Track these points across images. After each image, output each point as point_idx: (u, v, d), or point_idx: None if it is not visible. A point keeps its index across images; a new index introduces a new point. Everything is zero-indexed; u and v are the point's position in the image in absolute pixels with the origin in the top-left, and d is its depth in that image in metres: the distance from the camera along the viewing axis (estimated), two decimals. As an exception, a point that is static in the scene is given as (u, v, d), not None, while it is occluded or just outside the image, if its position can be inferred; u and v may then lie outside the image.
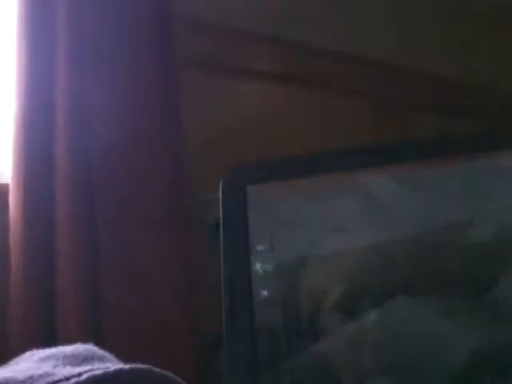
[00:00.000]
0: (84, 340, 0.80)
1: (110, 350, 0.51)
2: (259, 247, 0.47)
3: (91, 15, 0.96)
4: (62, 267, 0.83)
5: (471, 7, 1.51)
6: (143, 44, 0.99)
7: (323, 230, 0.49)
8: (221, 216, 0.49)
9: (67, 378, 0.40)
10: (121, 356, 0.48)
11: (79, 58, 0.93)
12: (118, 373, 0.41)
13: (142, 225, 0.93)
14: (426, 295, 0.47)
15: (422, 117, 1.41)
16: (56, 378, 0.40)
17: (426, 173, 0.52)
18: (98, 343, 0.81)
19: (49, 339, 0.80)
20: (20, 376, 0.39)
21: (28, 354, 0.48)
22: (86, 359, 0.45)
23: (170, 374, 0.44)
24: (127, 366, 0.43)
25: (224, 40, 1.15)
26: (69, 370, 0.41)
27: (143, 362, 0.55)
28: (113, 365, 0.43)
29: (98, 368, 0.42)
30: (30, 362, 0.46)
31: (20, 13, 0.90)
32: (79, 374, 0.41)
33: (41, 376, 0.40)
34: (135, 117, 0.98)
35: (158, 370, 0.44)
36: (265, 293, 0.45)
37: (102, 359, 0.46)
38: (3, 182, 0.90)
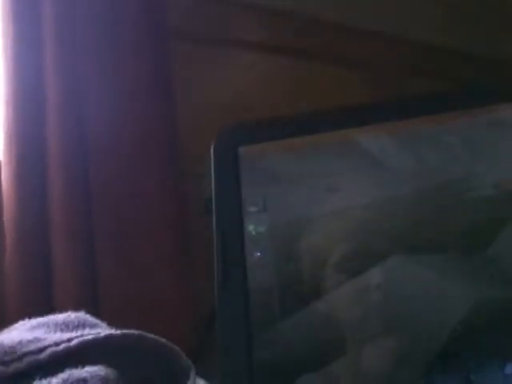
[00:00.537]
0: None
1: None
2: (252, 208, 0.46)
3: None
4: (58, 242, 0.82)
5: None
6: (130, 19, 0.97)
7: (318, 190, 0.48)
8: (212, 178, 0.47)
9: (57, 344, 0.39)
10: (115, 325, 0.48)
11: (66, 38, 0.92)
12: (108, 338, 0.40)
13: (135, 199, 0.92)
14: (425, 253, 0.46)
15: (416, 84, 1.39)
16: (46, 344, 0.39)
17: (423, 129, 0.51)
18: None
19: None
20: (8, 341, 0.38)
21: (20, 323, 0.47)
22: (77, 326, 0.44)
23: (162, 340, 0.43)
24: (118, 332, 0.42)
25: (212, 10, 1.12)
26: (59, 336, 0.40)
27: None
28: (103, 331, 0.42)
29: (89, 333, 0.41)
30: (21, 330, 0.45)
31: (4, 6, 0.88)
32: (69, 340, 0.40)
33: (30, 341, 0.39)
34: (127, 92, 0.96)
35: (150, 335, 0.43)
36: (258, 254, 0.44)
37: (93, 326, 0.45)
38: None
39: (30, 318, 0.79)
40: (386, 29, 1.32)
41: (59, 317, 0.46)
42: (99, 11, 0.93)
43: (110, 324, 0.69)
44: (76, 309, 0.81)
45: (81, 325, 0.45)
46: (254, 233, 0.45)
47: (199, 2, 1.10)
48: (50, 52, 0.90)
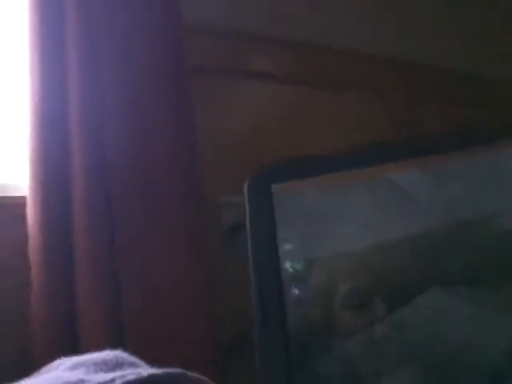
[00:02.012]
0: (106, 346, 0.80)
1: (131, 354, 0.51)
2: (288, 246, 0.46)
3: (102, 23, 0.95)
4: (81, 277, 0.83)
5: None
6: (154, 52, 0.98)
7: (351, 227, 0.48)
8: (247, 216, 0.48)
9: (101, 385, 0.39)
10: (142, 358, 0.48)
11: (91, 67, 0.93)
12: (151, 377, 0.40)
13: (157, 229, 0.92)
14: (456, 288, 0.46)
15: (432, 109, 1.40)
16: (90, 385, 0.39)
17: (451, 164, 0.52)
18: (119, 347, 0.81)
19: (71, 349, 0.79)
20: (53, 382, 0.39)
21: (56, 362, 0.47)
22: (116, 365, 0.44)
23: (203, 377, 0.43)
24: (160, 371, 0.42)
25: (233, 44, 1.14)
26: (102, 376, 0.40)
27: (166, 366, 0.54)
28: (145, 370, 0.42)
29: (131, 373, 0.41)
30: (60, 370, 0.45)
31: (31, 23, 0.90)
32: (112, 380, 0.40)
33: (75, 383, 0.39)
34: (149, 124, 0.98)
35: (191, 373, 0.43)
36: (296, 291, 0.45)
37: (132, 365, 0.45)
38: (21, 194, 0.90)
39: (54, 348, 0.80)
40: (400, 55, 1.33)
41: (97, 356, 0.46)
42: (128, 50, 0.95)
43: (134, 353, 0.69)
44: (101, 341, 0.81)
45: (119, 364, 0.45)
46: (290, 270, 0.45)
47: (217, 38, 1.11)
48: (74, 83, 0.91)
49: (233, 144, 1.10)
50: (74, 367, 0.44)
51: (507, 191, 0.50)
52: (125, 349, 0.76)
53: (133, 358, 0.46)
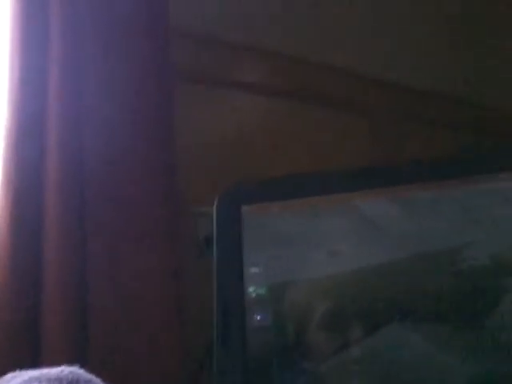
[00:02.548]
0: (69, 356, 0.79)
1: (95, 366, 0.50)
2: (253, 269, 0.46)
3: (86, 22, 0.95)
4: (48, 280, 0.81)
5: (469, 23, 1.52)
6: (138, 54, 0.98)
7: (318, 253, 0.48)
8: (215, 236, 0.48)
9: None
10: (106, 371, 0.47)
11: (73, 66, 0.92)
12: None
13: (131, 234, 0.91)
14: (420, 321, 0.46)
15: (415, 131, 1.41)
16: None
17: (422, 195, 0.52)
18: (83, 357, 0.81)
19: (32, 354, 0.78)
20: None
21: (10, 375, 0.46)
22: (71, 382, 0.44)
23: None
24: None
25: (218, 53, 1.14)
26: (54, 394, 0.40)
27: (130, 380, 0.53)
28: (100, 388, 0.42)
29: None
30: None
31: (13, 13, 0.89)
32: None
33: (25, 400, 0.39)
34: (128, 127, 0.97)
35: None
36: (257, 317, 0.44)
37: (88, 382, 0.44)
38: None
39: (14, 355, 0.78)
40: (387, 75, 1.34)
41: (52, 372, 0.45)
42: (112, 51, 0.94)
43: (99, 365, 0.68)
44: (63, 347, 0.80)
45: (74, 381, 0.44)
46: (253, 295, 0.45)
47: (202, 45, 1.11)
48: (54, 81, 0.90)
49: (211, 153, 1.09)
50: (29, 381, 0.43)
51: (477, 226, 0.50)
52: (88, 359, 0.75)
53: (89, 376, 0.45)
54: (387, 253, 0.48)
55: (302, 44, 1.26)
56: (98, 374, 0.47)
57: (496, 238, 0.49)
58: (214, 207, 0.49)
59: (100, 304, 0.83)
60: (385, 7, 1.38)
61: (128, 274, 0.88)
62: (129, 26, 1.02)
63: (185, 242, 1.00)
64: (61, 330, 0.80)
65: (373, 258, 0.48)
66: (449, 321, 0.46)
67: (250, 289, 0.45)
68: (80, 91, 0.94)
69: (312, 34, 1.28)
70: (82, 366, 0.48)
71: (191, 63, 1.09)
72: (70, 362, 0.50)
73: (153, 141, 0.99)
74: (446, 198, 0.51)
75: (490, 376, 0.42)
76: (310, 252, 0.48)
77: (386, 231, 0.50)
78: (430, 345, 0.45)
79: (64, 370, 0.45)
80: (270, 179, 0.50)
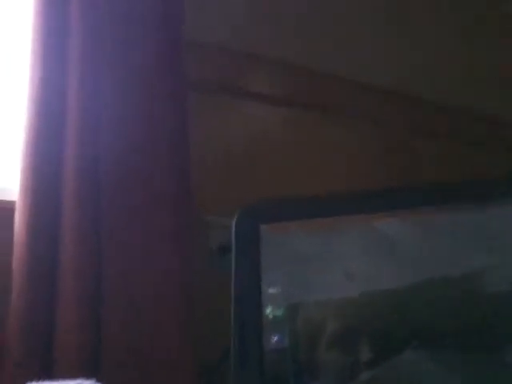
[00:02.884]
0: (82, 367, 0.79)
1: (108, 379, 0.51)
2: (271, 290, 0.46)
3: (105, 33, 0.96)
4: (64, 290, 0.82)
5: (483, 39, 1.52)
6: (153, 67, 0.98)
7: (335, 275, 0.48)
8: (233, 254, 0.48)
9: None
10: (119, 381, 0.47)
11: (91, 76, 0.93)
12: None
13: (146, 244, 0.92)
14: (437, 347, 0.46)
15: (427, 143, 1.41)
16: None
17: (439, 218, 0.52)
18: (96, 369, 0.81)
19: (46, 364, 0.78)
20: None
21: (27, 386, 0.47)
22: (88, 397, 0.44)
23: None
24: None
25: (230, 64, 1.14)
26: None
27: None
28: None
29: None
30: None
31: (35, 16, 0.90)
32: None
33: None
34: (143, 135, 0.98)
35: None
36: (274, 338, 0.45)
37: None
38: (10, 199, 0.89)
39: (28, 363, 0.78)
40: (400, 88, 1.34)
41: (68, 384, 0.46)
42: (125, 57, 0.95)
43: (112, 377, 0.68)
44: (76, 358, 0.81)
45: (92, 394, 0.45)
46: (271, 316, 0.45)
47: (216, 55, 1.12)
48: (74, 91, 0.91)
49: (223, 162, 1.10)
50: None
51: (494, 251, 0.50)
52: (101, 368, 0.75)
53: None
54: (403, 276, 0.49)
55: (315, 56, 1.27)
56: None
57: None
58: (233, 224, 0.49)
59: (113, 314, 0.83)
60: (399, 21, 1.39)
61: (141, 283, 0.89)
62: (146, 35, 1.03)
63: (197, 250, 1.00)
64: (75, 340, 0.81)
65: (389, 281, 0.48)
66: (464, 348, 0.46)
67: (268, 309, 0.45)
68: (97, 98, 0.94)
69: (326, 46, 1.29)
70: (96, 378, 0.48)
71: (205, 73, 1.09)
72: (83, 374, 0.50)
73: (167, 148, 1.00)
74: (462, 222, 0.52)
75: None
76: (326, 273, 0.48)
77: (402, 254, 0.50)
78: (443, 372, 0.45)
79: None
80: (289, 198, 0.51)
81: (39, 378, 0.50)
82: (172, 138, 1.01)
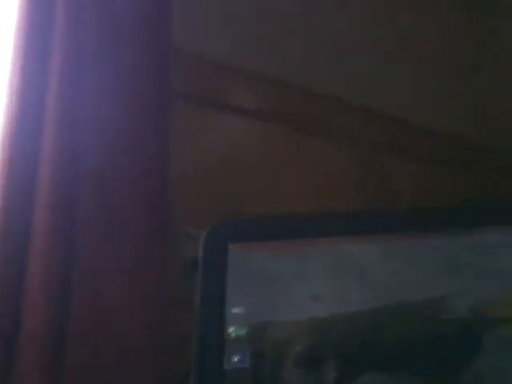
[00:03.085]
0: (45, 367, 0.78)
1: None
2: (235, 310, 0.46)
3: (90, 31, 0.95)
4: (31, 293, 0.81)
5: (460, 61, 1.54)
6: (138, 72, 0.98)
7: (301, 296, 0.49)
8: (200, 272, 0.48)
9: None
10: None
11: (72, 78, 0.93)
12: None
13: (118, 255, 0.91)
14: (396, 371, 0.46)
15: (403, 165, 1.42)
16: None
17: (407, 243, 0.52)
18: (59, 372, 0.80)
19: (5, 366, 0.77)
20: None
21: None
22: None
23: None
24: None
25: (213, 75, 1.15)
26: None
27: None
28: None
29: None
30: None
31: (18, 17, 0.90)
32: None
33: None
34: (122, 141, 0.97)
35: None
36: (236, 358, 0.44)
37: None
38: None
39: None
40: (381, 107, 1.35)
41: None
42: (109, 63, 0.95)
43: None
44: (40, 371, 0.79)
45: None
46: (233, 335, 0.45)
47: (200, 67, 1.12)
48: (53, 92, 0.90)
49: (203, 174, 1.10)
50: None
51: (458, 277, 0.51)
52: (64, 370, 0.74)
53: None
54: (368, 300, 0.49)
55: (298, 71, 1.28)
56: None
57: (476, 290, 0.50)
58: (201, 242, 0.49)
59: (81, 323, 0.83)
60: (383, 38, 1.40)
61: (113, 291, 0.88)
62: (132, 42, 1.03)
63: (173, 260, 1.00)
64: (38, 350, 0.80)
65: (354, 304, 0.49)
66: (425, 371, 0.47)
67: (230, 329, 0.45)
68: (77, 99, 0.94)
69: (309, 61, 1.30)
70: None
71: (188, 84, 1.09)
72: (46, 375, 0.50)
73: (146, 157, 1.00)
74: (430, 249, 0.52)
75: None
76: (293, 294, 0.49)
77: (369, 278, 0.50)
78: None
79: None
80: (259, 218, 0.51)
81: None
82: (152, 145, 1.01)
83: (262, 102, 1.23)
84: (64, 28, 0.92)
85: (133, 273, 0.89)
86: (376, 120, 1.39)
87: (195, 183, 1.09)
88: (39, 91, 0.89)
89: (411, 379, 0.47)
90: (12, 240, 0.82)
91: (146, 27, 1.01)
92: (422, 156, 1.46)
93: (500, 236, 0.52)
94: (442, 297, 0.50)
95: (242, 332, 0.45)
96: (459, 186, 1.37)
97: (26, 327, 0.79)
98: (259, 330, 0.46)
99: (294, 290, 0.49)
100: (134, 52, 0.97)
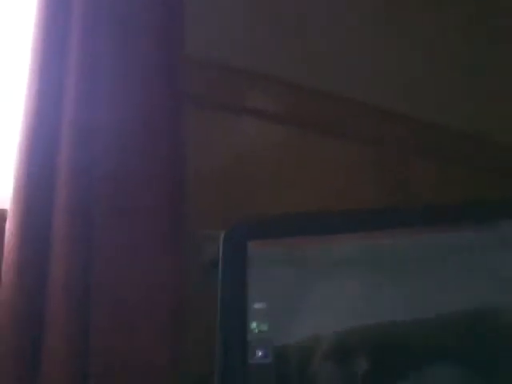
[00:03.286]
0: (69, 376, 0.79)
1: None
2: (257, 305, 0.47)
3: (104, 42, 0.96)
4: (53, 300, 0.82)
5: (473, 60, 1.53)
6: (150, 80, 0.99)
7: (322, 290, 0.49)
8: (220, 270, 0.48)
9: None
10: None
11: (88, 85, 0.94)
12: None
13: (137, 255, 0.92)
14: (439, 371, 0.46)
15: (422, 165, 1.41)
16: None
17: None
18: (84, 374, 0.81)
19: (32, 376, 0.78)
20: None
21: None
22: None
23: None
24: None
25: (225, 79, 1.15)
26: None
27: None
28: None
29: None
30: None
31: (35, 24, 0.91)
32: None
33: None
34: (139, 147, 0.98)
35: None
36: (259, 354, 0.45)
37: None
38: (2, 207, 0.89)
39: (14, 375, 0.78)
40: (397, 107, 1.35)
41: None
42: (123, 69, 0.96)
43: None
44: (64, 372, 0.80)
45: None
46: (256, 331, 0.46)
47: (215, 71, 1.13)
48: (70, 98, 0.91)
49: (218, 178, 1.11)
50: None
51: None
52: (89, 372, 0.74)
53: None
54: (397, 297, 0.49)
55: (313, 74, 1.28)
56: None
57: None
58: (221, 241, 0.50)
59: (102, 322, 0.83)
60: (394, 36, 1.40)
61: (130, 291, 0.89)
62: (145, 46, 1.04)
63: (191, 262, 1.00)
64: (63, 348, 0.80)
65: (380, 302, 0.49)
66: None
67: (253, 325, 0.46)
68: (93, 104, 0.95)
69: (324, 63, 1.30)
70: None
71: (203, 89, 1.10)
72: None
73: (159, 158, 1.00)
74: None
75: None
76: (313, 289, 0.49)
77: (397, 274, 0.50)
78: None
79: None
80: (277, 216, 0.51)
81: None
82: (169, 150, 1.01)
83: (277, 105, 1.24)
84: (79, 33, 0.93)
85: (150, 274, 0.90)
86: (392, 120, 1.39)
87: (211, 185, 1.10)
88: (56, 95, 0.91)
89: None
90: (32, 245, 0.83)
91: (158, 30, 1.02)
92: (441, 156, 1.45)
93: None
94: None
95: (265, 327, 0.46)
96: (483, 186, 1.35)
97: (51, 329, 0.80)
98: (282, 326, 0.47)
99: (319, 286, 0.49)
100: (146, 54, 0.98)
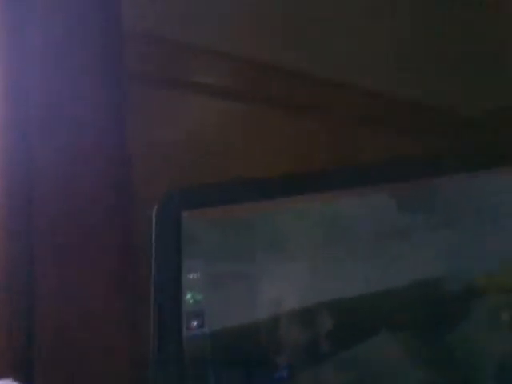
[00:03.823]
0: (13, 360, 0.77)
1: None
2: (191, 275, 0.45)
3: (34, 17, 0.93)
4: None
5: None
6: (91, 56, 0.96)
7: (258, 258, 0.48)
8: (153, 242, 0.47)
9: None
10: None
11: (17, 62, 0.90)
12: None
13: (80, 237, 0.90)
14: (400, 332, 0.45)
15: (379, 137, 1.41)
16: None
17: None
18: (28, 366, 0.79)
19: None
20: None
21: None
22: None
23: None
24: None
25: (172, 54, 1.13)
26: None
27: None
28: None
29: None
30: None
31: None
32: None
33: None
34: (78, 128, 0.95)
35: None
36: (194, 324, 0.44)
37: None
38: None
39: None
40: (346, 78, 1.34)
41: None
42: (61, 48, 0.93)
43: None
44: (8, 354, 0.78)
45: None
46: (191, 301, 0.44)
47: (156, 44, 1.10)
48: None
49: (164, 156, 1.08)
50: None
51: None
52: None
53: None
54: (342, 256, 0.48)
55: (260, 45, 1.26)
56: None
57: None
58: (154, 212, 0.48)
59: (47, 308, 0.81)
60: (346, 6, 1.39)
61: (76, 275, 0.86)
62: (80, 25, 1.00)
63: (139, 244, 0.98)
64: (4, 338, 0.78)
65: (323, 264, 0.48)
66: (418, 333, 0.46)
67: (188, 296, 0.44)
68: (26, 89, 0.91)
69: (271, 35, 1.28)
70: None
71: (146, 65, 1.07)
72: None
73: (104, 142, 0.97)
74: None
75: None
76: (250, 258, 0.48)
77: (358, 235, 0.49)
78: (401, 353, 0.45)
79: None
80: (212, 184, 0.50)
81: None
82: (110, 130, 0.99)
83: (221, 78, 1.22)
84: (7, 19, 0.89)
85: (97, 256, 0.88)
86: (344, 91, 1.38)
87: (158, 166, 1.07)
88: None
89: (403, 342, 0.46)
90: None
91: (94, 10, 0.99)
92: (394, 127, 1.46)
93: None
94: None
95: (200, 297, 0.44)
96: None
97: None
98: (218, 295, 0.46)
99: (256, 255, 0.48)
100: (83, 35, 0.95)
